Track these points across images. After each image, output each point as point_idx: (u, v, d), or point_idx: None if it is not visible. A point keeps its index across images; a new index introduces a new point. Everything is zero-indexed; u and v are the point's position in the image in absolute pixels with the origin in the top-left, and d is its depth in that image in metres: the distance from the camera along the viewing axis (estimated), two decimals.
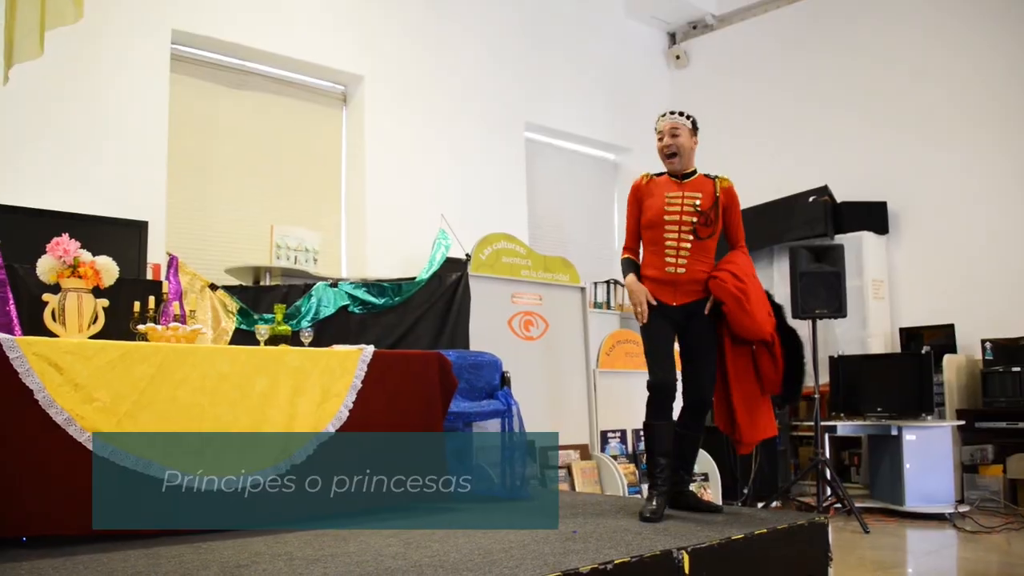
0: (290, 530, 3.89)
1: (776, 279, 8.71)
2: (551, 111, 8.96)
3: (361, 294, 5.83)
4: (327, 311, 5.71)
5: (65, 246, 4.20)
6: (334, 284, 5.90)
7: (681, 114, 4.53)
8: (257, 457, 3.99)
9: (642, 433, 4.60)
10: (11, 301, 4.62)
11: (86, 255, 4.22)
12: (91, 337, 4.06)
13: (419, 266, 6.47)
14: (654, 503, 4.17)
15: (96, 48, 5.91)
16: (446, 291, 6.20)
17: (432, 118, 7.84)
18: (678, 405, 4.45)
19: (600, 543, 3.47)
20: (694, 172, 4.56)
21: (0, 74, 4.98)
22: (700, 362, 4.39)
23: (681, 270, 4.32)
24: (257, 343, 4.53)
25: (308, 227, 6.57)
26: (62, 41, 5.32)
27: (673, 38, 10.66)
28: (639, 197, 4.53)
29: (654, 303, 4.35)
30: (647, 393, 4.36)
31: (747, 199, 8.87)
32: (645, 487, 6.53)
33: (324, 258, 6.60)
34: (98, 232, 5.04)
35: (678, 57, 10.50)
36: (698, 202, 4.40)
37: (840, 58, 9.18)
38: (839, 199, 8.60)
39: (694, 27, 10.45)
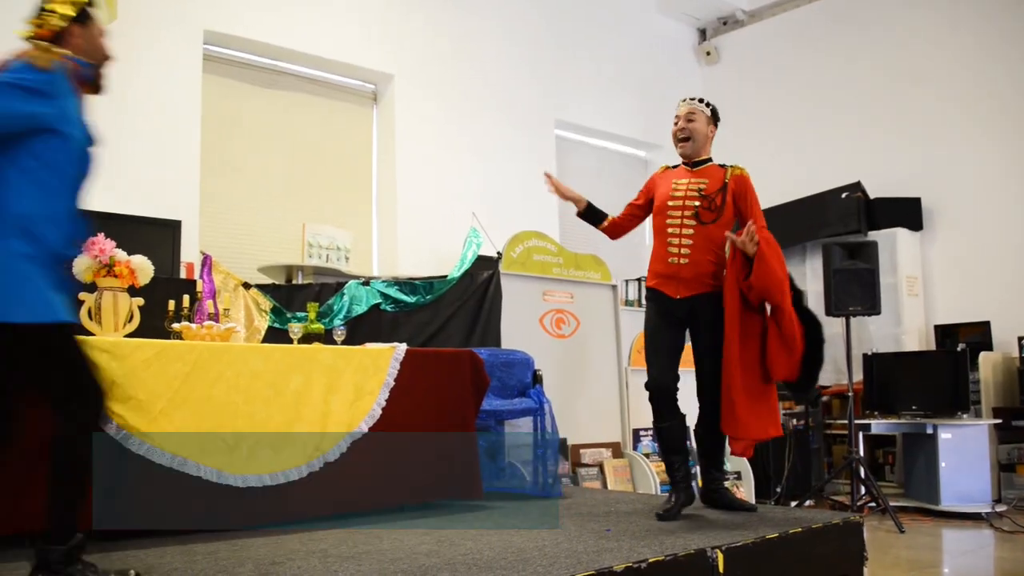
0: (324, 527, 3.91)
1: (809, 276, 8.64)
2: (581, 108, 8.94)
3: (393, 292, 5.85)
4: (359, 309, 5.73)
5: (101, 245, 4.24)
6: (366, 282, 5.92)
7: (701, 101, 4.49)
8: (291, 455, 4.01)
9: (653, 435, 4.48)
10: None
11: (121, 254, 4.25)
12: (127, 336, 4.09)
13: (450, 264, 6.48)
14: (671, 500, 4.19)
15: (130, 49, 5.94)
16: (477, 289, 6.20)
17: (462, 116, 7.85)
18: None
19: (634, 542, 3.46)
20: (707, 160, 4.46)
21: None
22: (713, 359, 4.22)
23: (684, 260, 4.20)
24: (290, 341, 4.55)
25: (339, 226, 6.60)
26: None
27: (703, 34, 10.60)
28: (651, 185, 4.53)
29: (571, 195, 4.52)
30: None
31: (779, 195, 8.90)
32: None
33: (355, 256, 6.63)
34: (132, 231, 5.09)
35: (708, 53, 10.44)
36: (703, 186, 4.29)
37: (873, 51, 9.09)
38: (872, 195, 8.52)
39: (724, 23, 10.39)
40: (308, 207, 6.99)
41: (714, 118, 4.52)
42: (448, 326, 6.06)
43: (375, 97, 7.64)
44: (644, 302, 4.59)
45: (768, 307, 4.20)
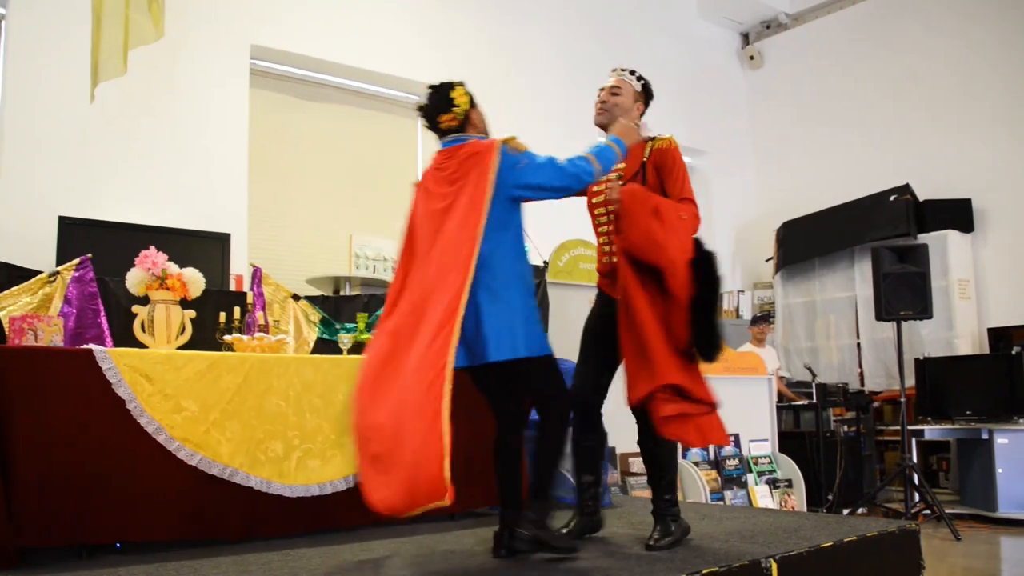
0: (373, 537, 3.93)
1: (858, 280, 8.55)
2: None
3: None
4: None
5: (153, 259, 4.31)
6: None
7: (632, 73, 4.03)
8: (339, 464, 4.05)
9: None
10: (102, 313, 4.75)
11: (173, 267, 4.32)
12: (179, 348, 4.15)
13: None
14: (570, 523, 3.77)
15: (178, 65, 6.06)
16: None
17: (505, 124, 7.81)
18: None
19: (687, 552, 3.44)
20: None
21: (87, 93, 5.14)
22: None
23: (616, 257, 3.64)
24: (339, 352, 4.58)
25: (386, 236, 6.64)
26: (145, 60, 5.47)
27: (746, 38, 10.54)
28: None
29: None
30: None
31: (826, 199, 8.83)
32: (728, 493, 6.46)
33: None
34: (183, 245, 5.16)
35: (752, 57, 10.38)
36: (619, 172, 3.70)
37: (918, 53, 8.98)
38: (921, 197, 8.41)
39: (767, 26, 10.33)
40: (355, 218, 7.05)
41: (644, 95, 4.02)
42: None
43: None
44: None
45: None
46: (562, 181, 3.37)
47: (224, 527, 3.77)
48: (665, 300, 3.47)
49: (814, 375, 7.69)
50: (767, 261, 9.58)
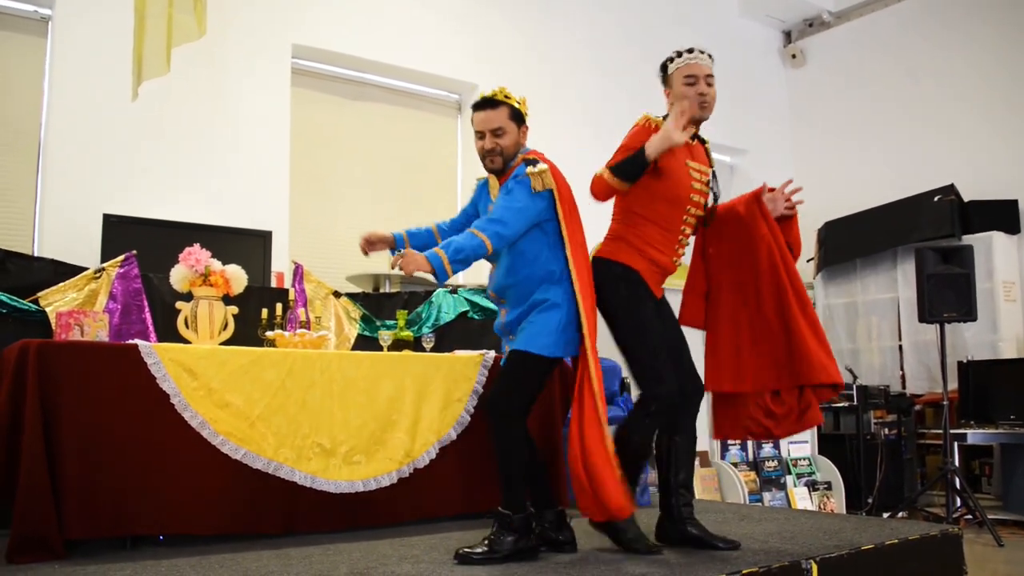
0: (414, 533, 3.96)
1: (900, 281, 8.44)
2: (664, 113, 8.87)
3: (480, 300, 5.88)
4: (447, 317, 5.78)
5: (197, 256, 4.37)
6: (454, 291, 5.97)
7: (710, 56, 3.68)
8: (383, 461, 4.09)
9: (630, 452, 3.53)
10: (147, 309, 4.82)
11: (216, 264, 4.37)
12: (222, 343, 4.20)
13: None
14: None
15: (221, 64, 6.12)
16: None
17: (547, 124, 7.82)
18: None
19: (726, 552, 3.43)
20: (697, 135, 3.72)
21: (131, 91, 5.21)
22: (684, 348, 3.68)
23: (678, 261, 3.66)
24: (379, 349, 4.62)
25: None
26: (189, 58, 5.53)
27: (789, 36, 10.44)
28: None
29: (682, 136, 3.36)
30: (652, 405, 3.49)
31: (868, 199, 8.74)
32: (766, 495, 6.42)
33: None
34: (225, 242, 5.21)
35: (794, 56, 10.28)
36: (708, 179, 3.67)
37: (964, 51, 8.85)
38: (966, 198, 8.28)
39: (810, 24, 10.22)
40: (394, 216, 7.07)
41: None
42: None
43: (459, 107, 7.71)
44: (619, 278, 3.61)
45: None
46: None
47: (266, 521, 3.82)
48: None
49: (855, 377, 7.61)
50: (808, 261, 9.48)
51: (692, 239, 3.73)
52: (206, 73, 6.02)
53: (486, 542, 3.31)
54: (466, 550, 3.30)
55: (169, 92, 5.57)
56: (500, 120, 3.52)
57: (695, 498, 3.78)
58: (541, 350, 3.40)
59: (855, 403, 7.43)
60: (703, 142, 3.78)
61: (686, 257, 3.83)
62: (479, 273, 7.12)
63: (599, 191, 3.52)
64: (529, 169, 3.42)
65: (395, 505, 4.14)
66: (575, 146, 7.98)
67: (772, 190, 3.79)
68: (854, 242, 8.85)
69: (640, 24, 8.79)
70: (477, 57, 7.56)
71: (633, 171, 3.43)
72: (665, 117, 3.60)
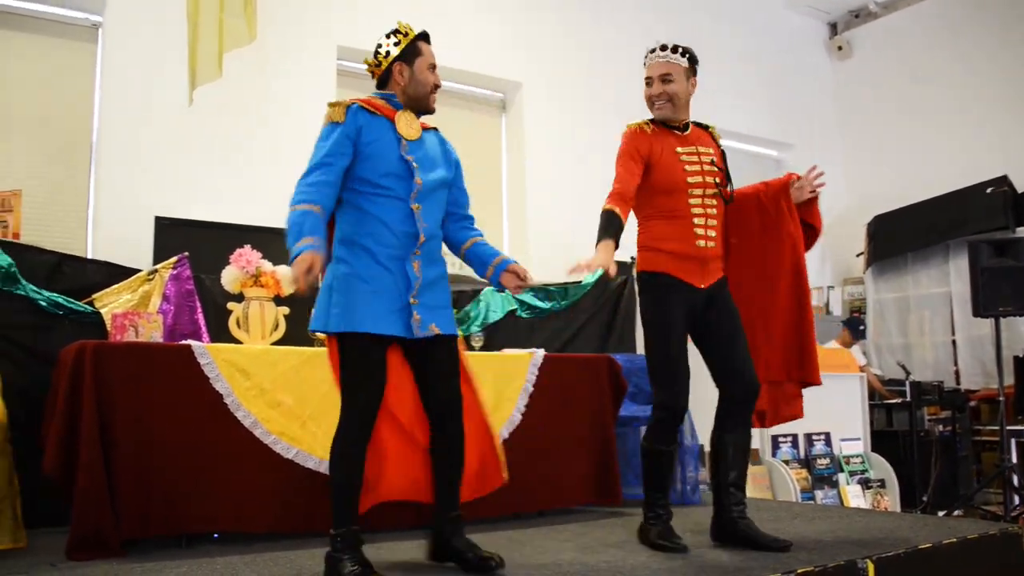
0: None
1: (953, 275, 8.32)
2: (710, 109, 8.73)
3: (528, 299, 5.89)
4: (496, 316, 5.79)
5: (247, 257, 4.42)
6: (501, 289, 5.96)
7: (675, 50, 3.71)
8: None
9: (642, 457, 3.66)
10: (199, 310, 4.87)
11: (267, 265, 4.41)
12: (273, 343, 4.24)
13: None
14: (666, 531, 3.55)
15: (269, 67, 6.16)
16: (612, 294, 6.20)
17: (592, 121, 7.82)
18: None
19: (779, 551, 3.39)
20: (689, 123, 3.76)
21: (181, 96, 5.28)
22: (739, 344, 3.59)
23: (712, 244, 3.56)
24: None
25: None
26: (236, 61, 5.58)
27: (834, 28, 10.33)
28: (646, 148, 3.61)
29: (609, 253, 3.31)
30: (658, 413, 3.59)
31: (919, 192, 8.61)
32: (818, 493, 6.35)
33: None
34: (275, 243, 5.23)
35: (840, 48, 10.16)
36: (713, 158, 3.67)
37: (1011, 38, 8.67)
38: (1020, 188, 8.13)
39: (856, 15, 10.10)
40: None
41: (692, 68, 3.75)
42: (583, 331, 6.08)
43: (503, 105, 7.70)
44: (644, 288, 3.66)
45: None
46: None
47: (318, 519, 3.83)
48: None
49: (908, 373, 7.50)
50: (858, 256, 9.38)
51: (717, 220, 3.65)
52: (254, 76, 6.07)
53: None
54: None
55: (217, 95, 5.62)
56: None
57: (747, 496, 3.74)
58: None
59: (908, 399, 7.32)
60: (705, 128, 3.83)
61: None
62: (527, 270, 7.12)
63: None
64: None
65: None
66: (619, 138, 7.96)
67: (797, 179, 3.79)
68: (904, 236, 8.73)
69: (684, 21, 8.72)
70: (520, 55, 7.55)
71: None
72: (651, 121, 3.73)
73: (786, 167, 9.43)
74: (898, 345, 8.80)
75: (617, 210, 3.44)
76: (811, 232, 3.84)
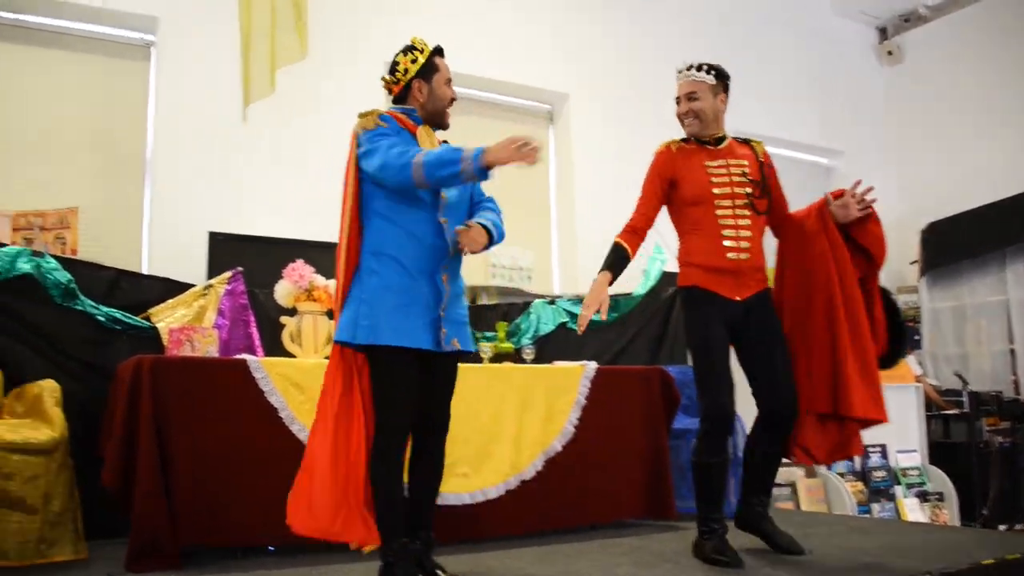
0: (518, 546, 3.95)
1: (1011, 282, 8.15)
2: (759, 117, 8.71)
3: (579, 310, 5.87)
4: (547, 328, 5.77)
5: (300, 271, 4.45)
6: (552, 301, 5.97)
7: (700, 68, 3.75)
8: (488, 473, 4.09)
9: (692, 470, 3.66)
10: (253, 324, 4.92)
11: (320, 279, 4.44)
12: (326, 358, 4.25)
13: (631, 281, 6.43)
14: (721, 545, 3.49)
15: (320, 82, 6.21)
16: (663, 306, 6.17)
17: (638, 132, 7.76)
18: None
19: (839, 566, 3.35)
20: (724, 137, 3.80)
21: (232, 112, 5.34)
22: (776, 359, 3.61)
23: (745, 255, 3.57)
24: (479, 362, 4.62)
25: (521, 246, 6.67)
26: (291, 77, 5.64)
27: (884, 33, 10.19)
28: (670, 169, 3.72)
29: (603, 317, 3.52)
30: (705, 424, 3.59)
31: (973, 198, 8.46)
32: (875, 506, 6.25)
33: (537, 276, 6.68)
34: (328, 258, 5.26)
35: (890, 53, 10.02)
36: (746, 170, 3.68)
37: None
38: None
39: (906, 20, 9.95)
40: None
41: (721, 84, 3.80)
42: (635, 343, 6.04)
43: (551, 117, 7.70)
44: (683, 302, 3.77)
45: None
46: (381, 174, 3.06)
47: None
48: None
49: (965, 383, 7.37)
50: (911, 264, 9.23)
51: (751, 231, 3.63)
52: (306, 91, 6.12)
53: None
54: None
55: (269, 111, 5.68)
56: None
57: (771, 500, 3.92)
58: None
59: (966, 410, 7.19)
60: (746, 142, 3.86)
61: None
62: (576, 282, 7.11)
63: None
64: None
65: (500, 518, 4.13)
66: None
67: (839, 195, 3.71)
68: (960, 243, 8.57)
69: (730, 30, 8.67)
70: (567, 66, 7.55)
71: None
72: (684, 140, 3.81)
73: (836, 175, 9.34)
74: (954, 355, 8.63)
75: (625, 244, 3.63)
76: (869, 254, 3.73)
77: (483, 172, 2.98)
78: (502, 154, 2.96)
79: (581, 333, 3.50)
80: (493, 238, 3.18)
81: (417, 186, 3.00)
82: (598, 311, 3.43)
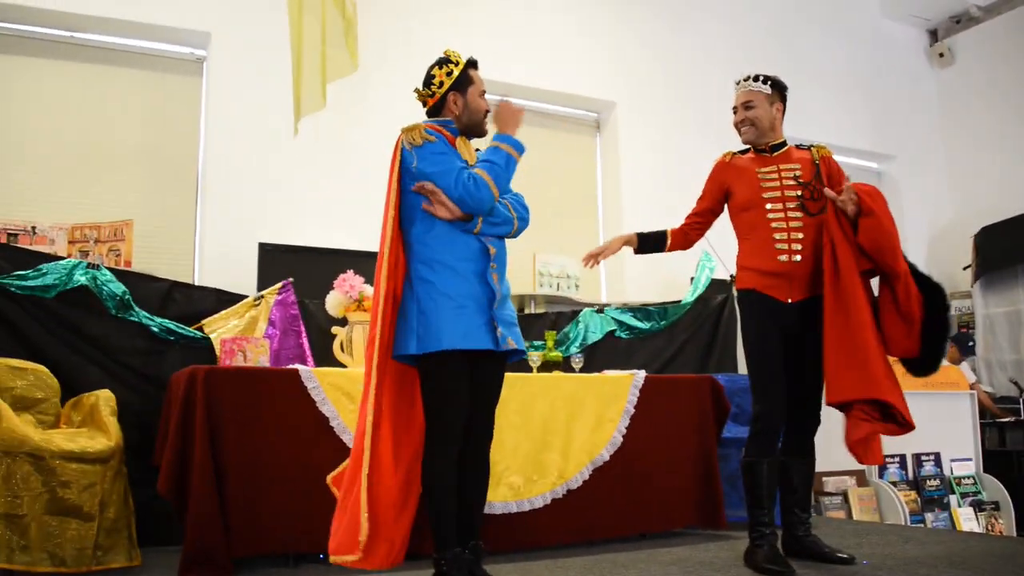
0: (567, 555, 3.94)
1: None
2: (807, 122, 8.61)
3: (627, 319, 5.86)
4: (595, 336, 5.77)
5: (351, 282, 4.49)
6: (600, 310, 5.96)
7: (757, 79, 3.86)
8: (537, 482, 4.08)
9: (742, 473, 3.69)
10: (303, 334, 4.96)
11: (370, 290, 4.47)
12: None
13: (679, 289, 6.42)
14: (772, 554, 3.50)
15: (369, 95, 6.26)
16: (712, 313, 6.13)
17: (685, 140, 7.76)
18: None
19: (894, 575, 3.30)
20: (783, 144, 3.87)
21: (283, 126, 5.41)
22: (818, 372, 3.59)
23: (797, 257, 3.60)
24: (528, 370, 4.63)
25: (568, 254, 6.66)
26: (342, 91, 5.70)
27: (935, 35, 10.05)
28: (723, 177, 3.91)
29: (620, 243, 3.92)
30: (757, 423, 3.64)
31: None
32: (928, 516, 6.15)
33: (585, 284, 6.68)
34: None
35: (941, 55, 9.88)
36: (798, 173, 3.73)
37: None
38: None
39: (957, 21, 9.81)
40: (537, 237, 7.07)
41: (778, 93, 3.89)
42: (683, 351, 6.02)
43: (598, 125, 7.70)
44: (739, 307, 3.92)
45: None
46: (454, 193, 3.10)
47: (424, 542, 3.85)
48: (872, 305, 3.57)
49: (1021, 389, 7.24)
50: (964, 269, 9.08)
51: (804, 233, 3.65)
52: (356, 105, 6.17)
53: None
54: None
55: (318, 122, 5.74)
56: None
57: (812, 514, 3.89)
58: None
59: (1022, 417, 7.06)
60: (807, 148, 3.93)
61: None
62: (624, 290, 7.10)
63: None
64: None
65: (549, 526, 4.13)
66: (715, 155, 7.87)
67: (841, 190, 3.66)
68: (1014, 247, 8.42)
69: (777, 30, 8.61)
70: (614, 75, 7.54)
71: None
72: (742, 150, 3.98)
73: (887, 179, 9.22)
74: (1009, 361, 8.47)
75: (668, 232, 4.06)
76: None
77: (518, 145, 3.33)
78: (510, 123, 3.34)
79: (585, 266, 3.87)
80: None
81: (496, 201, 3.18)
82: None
